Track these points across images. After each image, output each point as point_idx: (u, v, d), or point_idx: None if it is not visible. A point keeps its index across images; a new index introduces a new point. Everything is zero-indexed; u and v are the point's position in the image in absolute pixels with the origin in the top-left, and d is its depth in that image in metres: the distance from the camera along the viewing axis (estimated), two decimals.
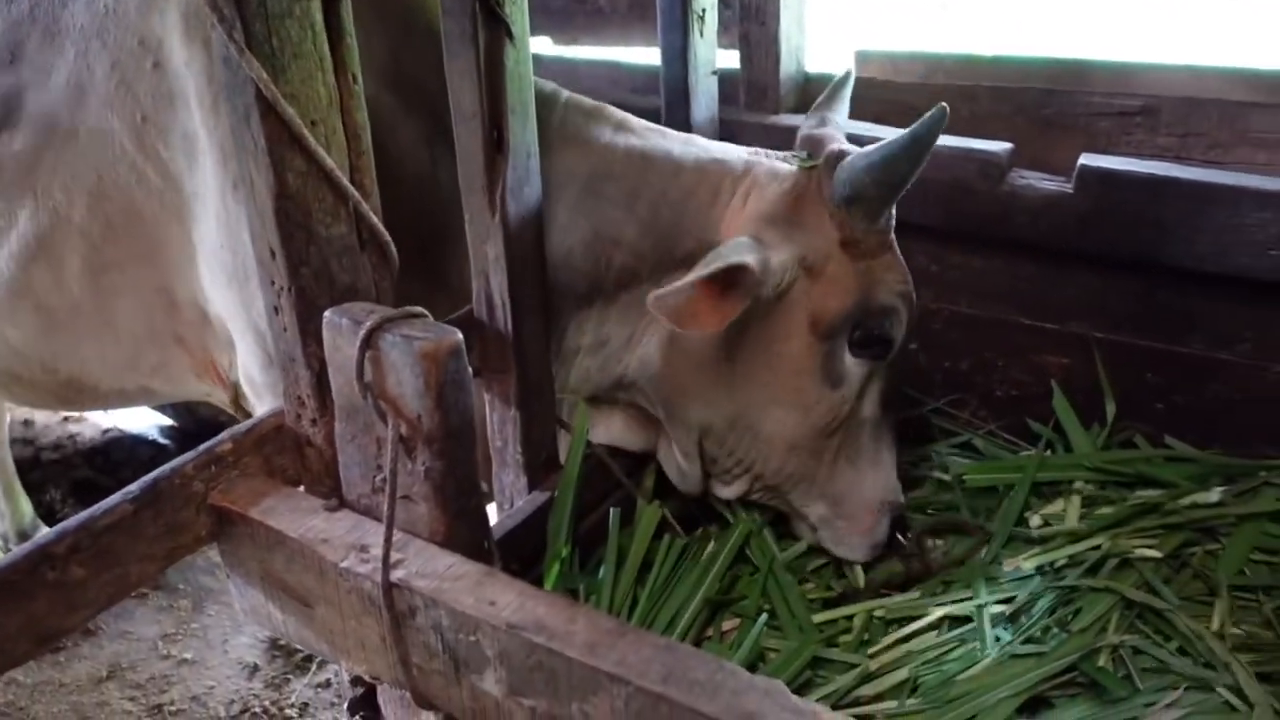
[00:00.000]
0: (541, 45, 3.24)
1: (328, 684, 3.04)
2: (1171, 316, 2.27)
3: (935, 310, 2.52)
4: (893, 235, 1.97)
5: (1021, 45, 2.68)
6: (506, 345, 1.89)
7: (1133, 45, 3.05)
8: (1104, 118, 2.47)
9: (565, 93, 2.11)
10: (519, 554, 1.93)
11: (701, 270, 1.77)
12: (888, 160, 1.81)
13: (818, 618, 2.00)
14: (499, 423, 1.98)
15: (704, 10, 2.39)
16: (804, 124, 2.15)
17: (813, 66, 2.79)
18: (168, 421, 4.36)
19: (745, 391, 1.99)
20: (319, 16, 1.38)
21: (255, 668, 3.15)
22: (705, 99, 2.49)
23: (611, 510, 2.06)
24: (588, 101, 2.10)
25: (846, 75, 2.26)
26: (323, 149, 1.40)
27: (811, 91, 2.79)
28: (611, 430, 2.20)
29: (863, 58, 2.80)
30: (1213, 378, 2.27)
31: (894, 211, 1.93)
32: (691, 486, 2.14)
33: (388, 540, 1.35)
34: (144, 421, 4.39)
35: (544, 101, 2.01)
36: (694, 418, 2.05)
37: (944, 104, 1.74)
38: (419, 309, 1.40)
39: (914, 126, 1.77)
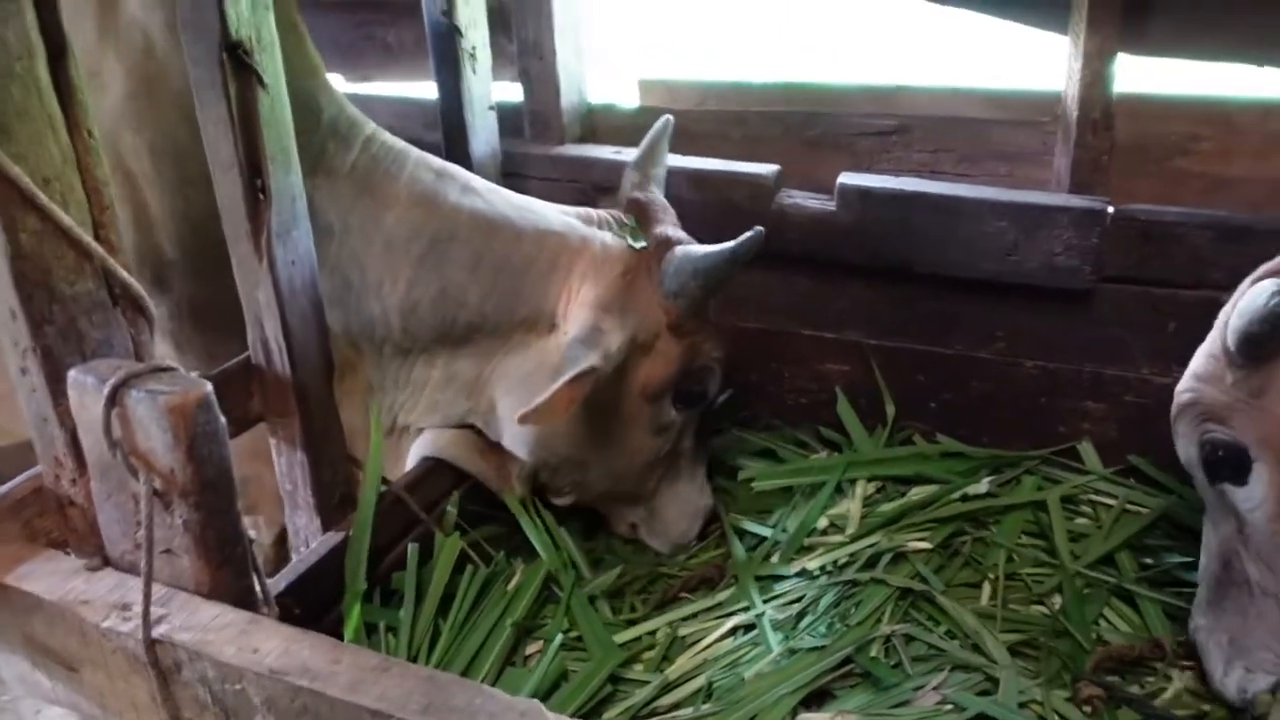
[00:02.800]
0: (334, 82, 3.22)
1: None
2: (933, 320, 2.44)
3: (724, 326, 2.62)
4: (710, 312, 2.21)
5: (788, 71, 2.82)
6: (287, 389, 1.89)
7: (886, 69, 3.25)
8: (865, 137, 2.63)
9: (375, 130, 2.18)
10: (317, 595, 1.92)
11: (557, 382, 1.91)
12: (710, 270, 2.04)
13: (620, 637, 2.06)
14: (286, 466, 1.98)
15: (474, 48, 2.44)
16: (625, 178, 2.30)
17: (599, 97, 2.88)
18: None
19: (583, 441, 2.18)
20: (45, 75, 1.36)
21: None
22: (484, 134, 2.54)
23: (410, 545, 2.07)
24: (435, 161, 2.20)
25: (664, 124, 2.37)
26: (59, 207, 1.39)
27: (596, 121, 2.88)
28: (452, 449, 2.27)
29: (644, 86, 2.90)
30: (974, 375, 2.44)
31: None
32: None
33: (146, 596, 1.33)
34: None
35: (346, 135, 2.12)
36: (534, 456, 2.20)
37: (761, 228, 1.99)
38: (169, 363, 1.40)
39: (735, 244, 2.00)
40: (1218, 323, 1.72)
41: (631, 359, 2.10)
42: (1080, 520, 2.26)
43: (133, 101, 1.97)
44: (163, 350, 2.18)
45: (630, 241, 2.13)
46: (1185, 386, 1.76)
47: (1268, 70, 2.26)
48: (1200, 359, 1.74)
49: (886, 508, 2.30)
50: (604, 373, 2.02)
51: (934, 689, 1.84)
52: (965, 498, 2.31)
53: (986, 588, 2.11)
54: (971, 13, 2.39)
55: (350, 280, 2.12)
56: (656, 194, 2.27)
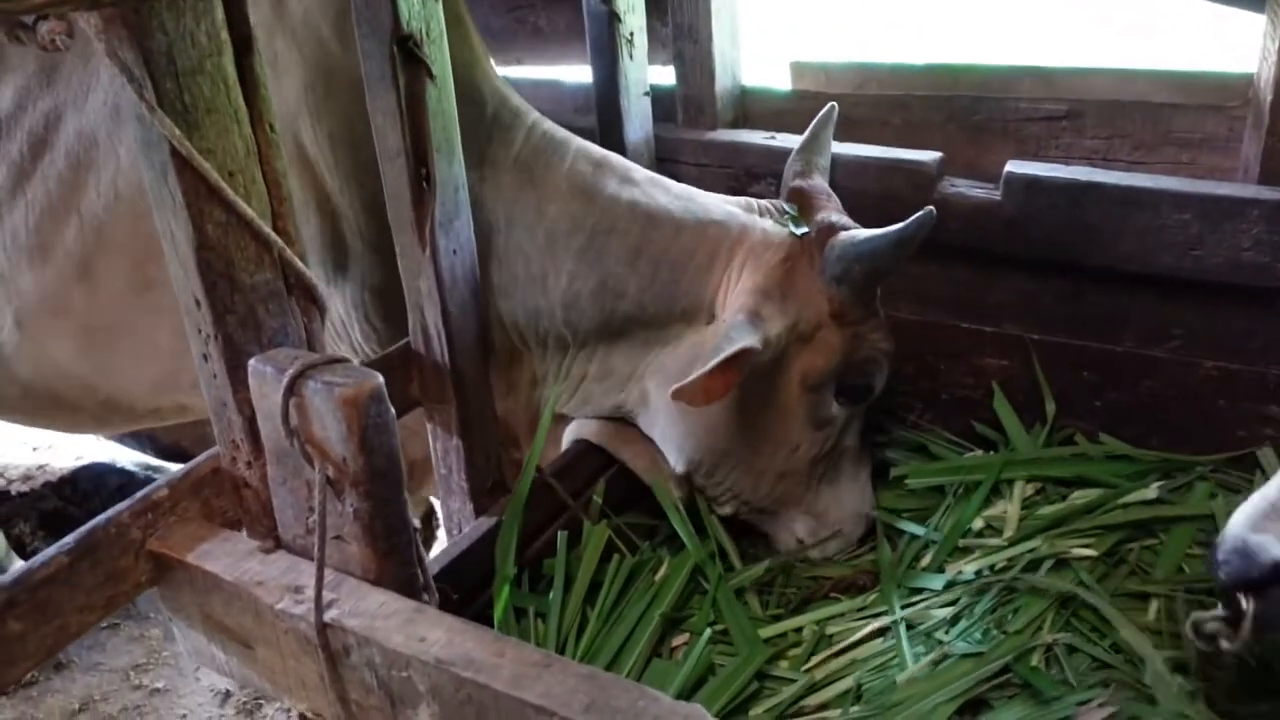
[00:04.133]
0: None
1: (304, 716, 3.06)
2: (1102, 316, 2.32)
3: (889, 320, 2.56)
4: (877, 301, 2.12)
5: (950, 53, 2.71)
6: (444, 376, 1.92)
7: (1055, 49, 3.09)
8: (1032, 123, 2.52)
9: (537, 118, 2.22)
10: (468, 579, 1.96)
11: (714, 359, 1.87)
12: (875, 253, 1.98)
13: (765, 632, 2.04)
14: (442, 452, 2.02)
15: (632, 34, 2.43)
16: (789, 167, 2.28)
17: (749, 80, 2.83)
18: (135, 452, 4.36)
19: (738, 433, 2.14)
20: (231, 71, 1.40)
21: (227, 694, 3.17)
22: (639, 119, 2.53)
23: (559, 533, 2.09)
24: (595, 150, 2.22)
25: (829, 112, 2.34)
26: (242, 199, 1.43)
27: (749, 105, 2.83)
28: (600, 435, 2.29)
29: (797, 69, 2.84)
30: (1146, 375, 2.32)
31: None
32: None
33: (319, 582, 1.37)
34: (112, 450, 4.39)
35: (509, 126, 2.15)
36: (686, 452, 2.18)
37: (931, 208, 1.92)
38: (343, 355, 1.43)
39: (902, 227, 1.94)
40: None
41: (791, 348, 2.05)
42: None
43: (311, 93, 2.03)
44: (347, 338, 2.25)
45: (792, 228, 2.08)
46: None
47: None
48: None
49: (1046, 511, 2.21)
50: (763, 358, 1.99)
51: (1100, 704, 1.75)
52: (1132, 504, 2.20)
53: (1154, 601, 2.01)
54: None
55: (516, 272, 2.15)
56: (819, 181, 2.22)
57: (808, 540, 2.25)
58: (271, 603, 1.42)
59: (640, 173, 2.19)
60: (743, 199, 2.21)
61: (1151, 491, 2.21)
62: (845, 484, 2.26)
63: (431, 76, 1.73)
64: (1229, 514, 2.10)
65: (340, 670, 1.40)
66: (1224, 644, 1.49)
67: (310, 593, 1.39)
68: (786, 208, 2.17)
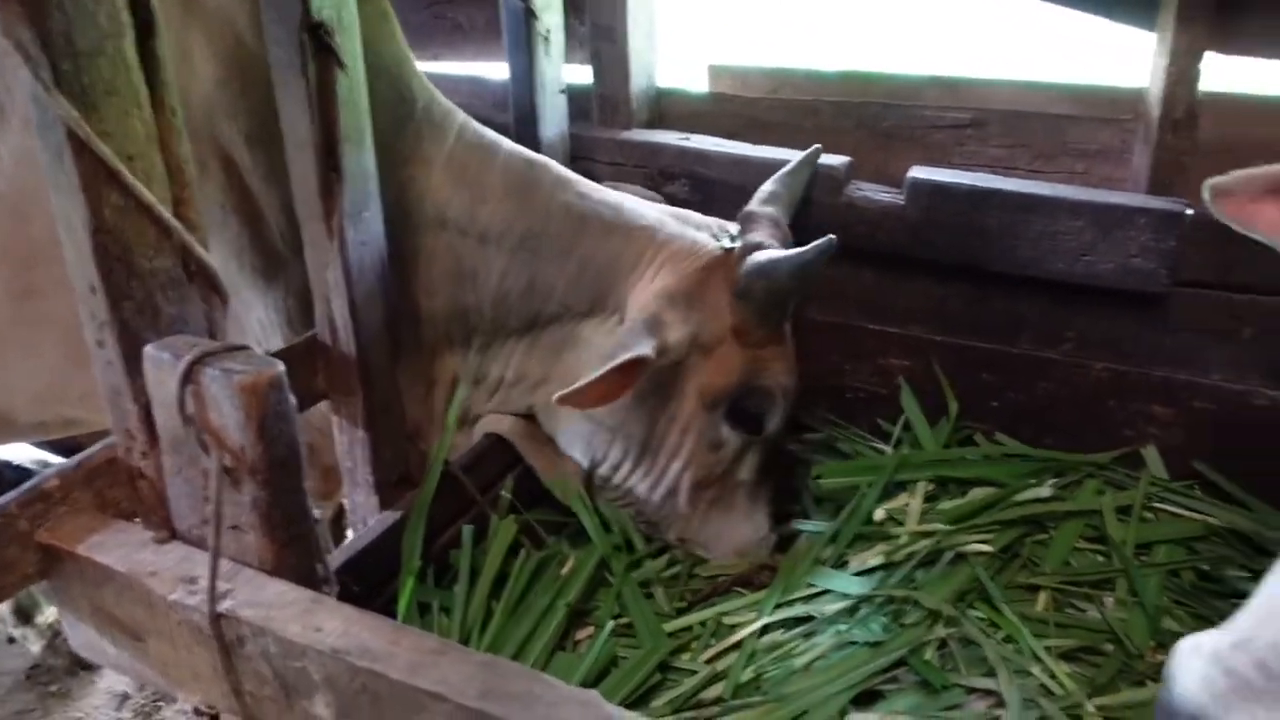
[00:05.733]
0: None
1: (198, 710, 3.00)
2: (1001, 319, 2.40)
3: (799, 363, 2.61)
4: (786, 330, 2.12)
5: (861, 60, 2.78)
6: (351, 368, 1.91)
7: (962, 60, 3.18)
8: (938, 130, 2.59)
9: (466, 119, 2.22)
10: (372, 573, 1.95)
11: (602, 368, 1.88)
12: (775, 272, 1.98)
13: (670, 626, 2.06)
14: (348, 444, 2.00)
15: (548, 31, 2.44)
16: (759, 192, 2.28)
17: (666, 81, 2.86)
18: (35, 450, 4.22)
19: (638, 437, 2.15)
20: (133, 54, 1.38)
21: (125, 696, 3.10)
22: (554, 117, 2.54)
23: (465, 527, 2.09)
24: (527, 152, 2.22)
25: (813, 153, 2.38)
26: (141, 183, 1.41)
27: (665, 106, 2.86)
28: (510, 431, 2.29)
29: (715, 72, 2.88)
30: (1041, 376, 2.40)
31: (789, 310, 2.08)
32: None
33: (213, 571, 1.36)
34: (12, 449, 4.25)
35: (440, 124, 2.15)
36: (587, 452, 2.21)
37: (832, 236, 1.93)
38: (243, 343, 1.42)
39: (803, 251, 1.95)
40: None
41: (693, 359, 2.06)
42: (1142, 527, 2.21)
43: (226, 89, 1.99)
44: (266, 345, 2.22)
45: (721, 243, 2.10)
46: None
47: None
48: None
49: (946, 506, 2.28)
50: (663, 364, 2.01)
51: (986, 694, 1.81)
52: (1026, 500, 2.27)
53: (1043, 593, 2.08)
54: (1059, 7, 2.33)
55: (446, 270, 2.16)
56: (773, 210, 2.22)
57: (688, 540, 2.25)
58: (165, 594, 1.40)
59: (571, 175, 2.21)
60: (686, 211, 2.23)
61: (1045, 490, 2.29)
62: (736, 520, 2.22)
63: (342, 66, 1.72)
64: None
65: (234, 661, 1.38)
66: None
67: (204, 583, 1.38)
68: (729, 227, 2.19)
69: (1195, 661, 1.10)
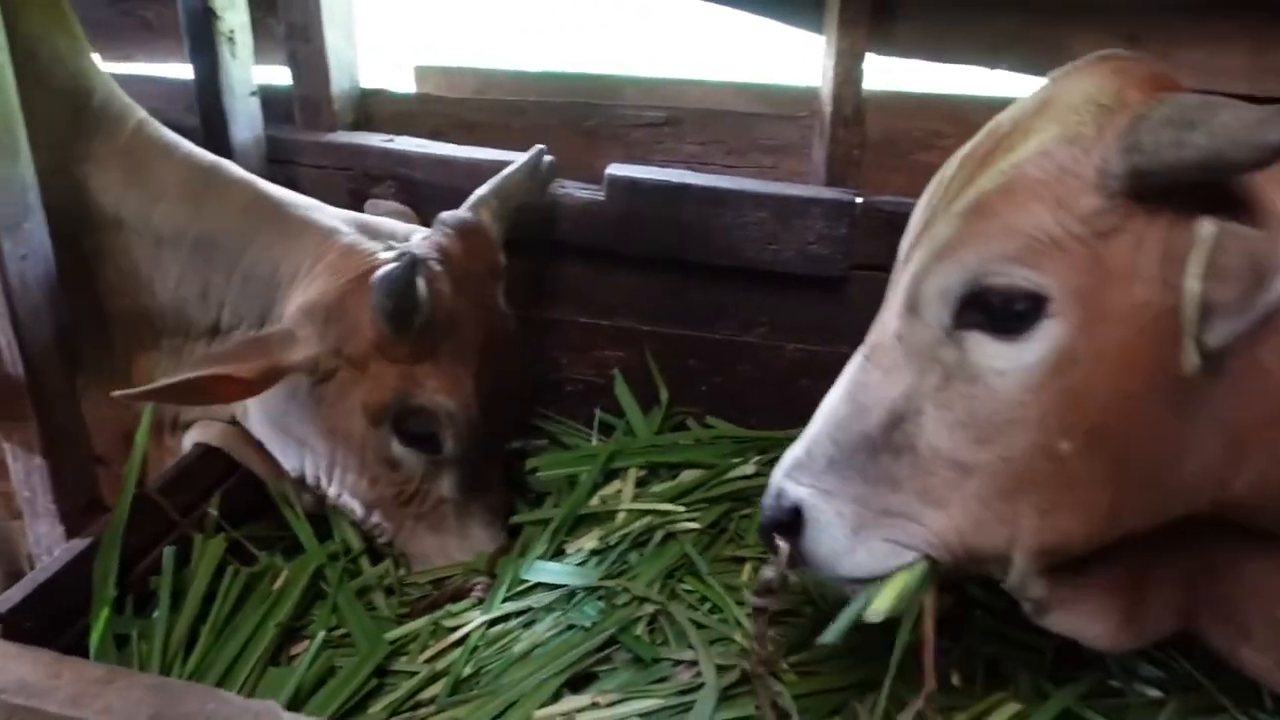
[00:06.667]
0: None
1: None
2: (703, 307, 2.52)
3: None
4: (440, 347, 2.04)
5: (565, 61, 2.85)
6: (20, 390, 1.79)
7: (660, 60, 3.33)
8: (638, 128, 2.69)
9: (145, 117, 2.15)
10: (59, 606, 1.83)
11: (190, 373, 1.85)
12: (378, 290, 1.92)
13: (391, 633, 2.05)
14: (24, 473, 1.87)
15: (232, 31, 2.36)
16: (474, 194, 2.22)
17: (371, 81, 2.83)
18: None
19: (326, 448, 2.11)
20: None
21: None
22: (246, 120, 2.46)
23: (166, 549, 2.00)
24: (205, 155, 2.15)
25: (536, 155, 2.35)
26: None
27: (371, 107, 2.83)
28: (220, 440, 2.23)
29: (421, 73, 2.87)
30: (741, 360, 2.54)
31: (437, 326, 2.02)
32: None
33: None
34: None
35: (117, 120, 2.09)
36: (289, 461, 2.16)
37: (413, 254, 1.93)
38: None
39: (390, 269, 1.91)
40: (1057, 137, 1.37)
41: (348, 374, 2.02)
42: None
43: None
44: None
45: (381, 252, 2.06)
46: (962, 223, 1.42)
47: (999, 72, 2.44)
48: (1006, 188, 1.38)
49: (658, 489, 2.38)
50: (320, 376, 1.99)
51: (690, 664, 1.91)
52: (733, 479, 2.40)
53: (748, 564, 2.21)
54: (729, 9, 2.48)
55: (127, 271, 2.08)
56: (470, 217, 2.17)
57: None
58: None
59: (253, 181, 2.14)
60: (383, 221, 2.20)
61: (750, 467, 2.43)
62: (449, 538, 2.19)
63: None
64: None
65: None
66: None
67: None
68: (416, 236, 2.16)
69: (779, 467, 1.63)
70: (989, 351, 1.41)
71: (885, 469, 1.50)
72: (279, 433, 2.12)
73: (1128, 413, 1.37)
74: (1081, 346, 1.34)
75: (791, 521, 1.56)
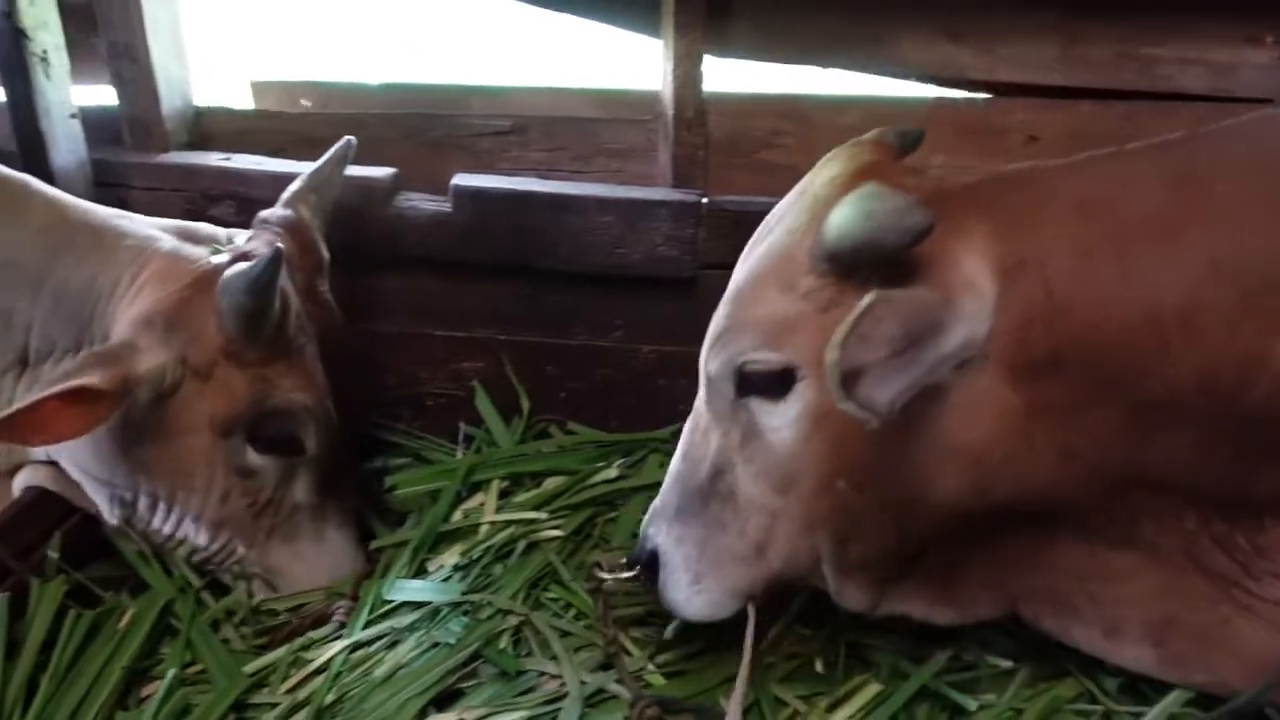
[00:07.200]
0: None
1: None
2: (557, 314, 2.53)
3: (356, 332, 2.59)
4: (293, 343, 2.01)
5: (405, 72, 2.81)
6: None
7: (503, 69, 3.32)
8: (483, 138, 2.67)
9: None
10: None
11: (42, 392, 1.74)
12: (235, 289, 1.88)
13: (250, 666, 1.99)
14: None
15: (45, 52, 2.25)
16: (284, 195, 2.18)
17: (205, 99, 2.74)
18: None
19: (161, 476, 2.01)
20: None
21: None
22: (67, 143, 2.36)
23: None
24: (10, 176, 2.05)
25: (344, 146, 2.29)
26: None
27: (207, 126, 2.74)
28: (50, 481, 2.13)
29: (258, 88, 2.80)
30: (598, 364, 2.55)
31: (289, 324, 1.99)
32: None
33: None
34: None
35: None
36: (114, 494, 2.04)
37: (278, 246, 1.91)
38: None
39: (250, 267, 1.87)
40: (786, 228, 1.62)
41: (191, 385, 1.94)
42: None
43: None
44: None
45: (211, 257, 2.00)
46: (733, 309, 1.65)
47: (833, 71, 2.50)
48: (761, 270, 1.61)
49: (521, 498, 2.37)
50: (143, 395, 1.88)
51: (554, 676, 1.90)
52: (597, 483, 2.40)
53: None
54: (563, 15, 2.48)
55: None
56: (292, 214, 2.14)
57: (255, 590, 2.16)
58: None
59: (51, 196, 2.04)
60: (185, 224, 2.11)
61: (613, 471, 2.44)
62: (304, 545, 2.14)
63: None
64: None
65: None
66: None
67: None
68: (237, 238, 2.10)
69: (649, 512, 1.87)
70: (766, 412, 1.63)
71: (716, 515, 1.73)
72: (104, 467, 2.01)
73: (880, 453, 1.57)
74: (830, 402, 1.47)
75: (651, 564, 1.81)
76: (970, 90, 2.52)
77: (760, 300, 1.60)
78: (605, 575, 1.91)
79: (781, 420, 1.62)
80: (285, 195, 2.18)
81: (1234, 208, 1.43)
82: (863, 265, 1.48)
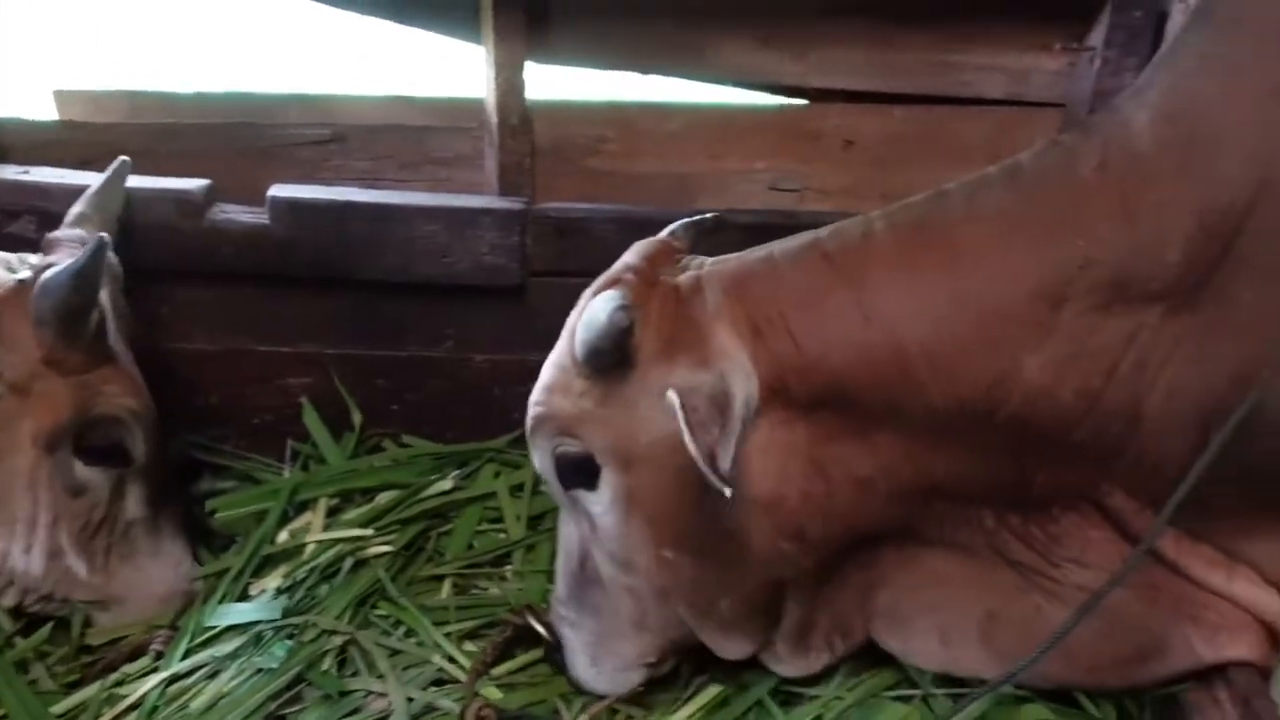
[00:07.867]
0: None
1: None
2: (386, 325, 2.47)
3: (175, 350, 2.49)
4: (113, 348, 1.97)
5: (218, 81, 2.72)
6: None
7: (320, 77, 3.25)
8: (303, 147, 2.60)
9: None
10: None
11: None
12: (57, 289, 1.83)
13: (57, 707, 1.88)
14: None
15: None
16: (66, 215, 2.11)
17: (2, 110, 2.59)
18: None
19: None
20: None
21: None
22: None
23: None
24: None
25: (120, 166, 2.22)
26: None
27: (6, 138, 2.59)
28: None
29: (62, 98, 2.65)
30: (431, 375, 2.51)
31: (108, 328, 1.95)
32: None
33: None
34: None
35: None
36: None
37: (104, 234, 1.87)
38: None
39: (77, 259, 1.82)
40: (565, 333, 1.71)
41: (10, 403, 1.88)
42: (535, 500, 2.39)
43: None
44: None
45: (14, 275, 1.91)
46: (538, 399, 1.72)
47: (653, 77, 2.53)
48: (550, 370, 1.71)
49: (351, 515, 2.31)
50: None
51: (380, 695, 1.86)
52: (430, 495, 2.37)
53: (447, 581, 2.19)
54: (384, 22, 2.44)
55: None
56: (82, 232, 2.07)
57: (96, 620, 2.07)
58: None
59: None
60: None
61: (447, 482, 2.41)
62: (144, 561, 2.09)
63: None
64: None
65: None
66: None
67: None
68: (29, 258, 2.00)
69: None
70: (590, 501, 1.71)
71: (594, 600, 1.82)
72: None
73: (693, 518, 1.66)
74: (633, 482, 1.64)
75: (559, 646, 1.90)
76: (787, 96, 2.58)
77: (554, 394, 1.68)
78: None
79: (601, 507, 1.71)
80: (68, 218, 2.12)
81: (971, 249, 1.54)
82: (608, 364, 1.58)
